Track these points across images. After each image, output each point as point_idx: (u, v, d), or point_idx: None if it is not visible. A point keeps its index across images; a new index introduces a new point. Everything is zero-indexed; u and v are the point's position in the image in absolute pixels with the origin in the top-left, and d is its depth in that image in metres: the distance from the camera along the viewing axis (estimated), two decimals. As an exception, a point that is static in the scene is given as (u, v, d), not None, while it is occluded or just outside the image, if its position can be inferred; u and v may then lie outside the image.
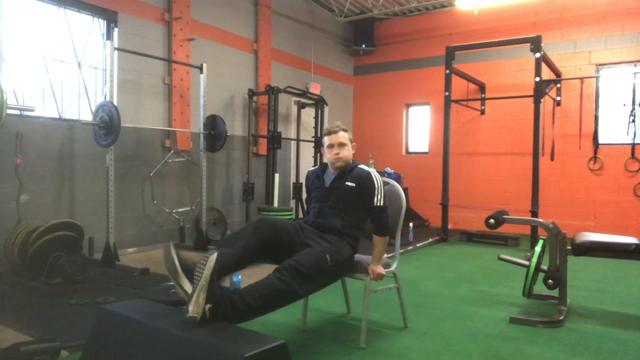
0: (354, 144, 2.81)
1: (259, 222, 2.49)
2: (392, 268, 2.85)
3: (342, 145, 2.70)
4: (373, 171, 2.72)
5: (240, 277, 3.42)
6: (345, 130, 2.75)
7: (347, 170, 2.71)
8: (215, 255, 2.03)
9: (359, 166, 2.74)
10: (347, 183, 2.66)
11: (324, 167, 2.86)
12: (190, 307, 1.94)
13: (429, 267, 4.89)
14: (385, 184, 3.07)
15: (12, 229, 3.96)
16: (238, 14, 6.55)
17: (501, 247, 6.08)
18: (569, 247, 3.24)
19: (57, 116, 4.65)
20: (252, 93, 6.62)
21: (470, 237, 6.55)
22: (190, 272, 2.05)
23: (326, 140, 2.74)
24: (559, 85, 7.09)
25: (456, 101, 6.84)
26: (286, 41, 7.39)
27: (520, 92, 6.93)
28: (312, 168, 2.97)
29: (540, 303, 3.51)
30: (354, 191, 2.65)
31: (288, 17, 7.43)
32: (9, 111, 3.14)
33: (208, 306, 1.96)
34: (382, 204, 2.64)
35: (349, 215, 2.64)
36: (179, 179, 5.76)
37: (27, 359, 2.21)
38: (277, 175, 6.15)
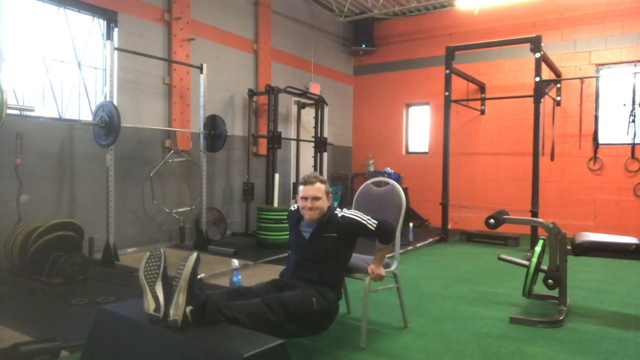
0: (330, 195, 2.63)
1: (231, 291, 2.38)
2: (392, 268, 2.85)
3: (316, 199, 2.55)
4: (346, 212, 2.62)
5: (240, 277, 3.42)
6: (322, 182, 2.60)
7: (324, 221, 2.58)
8: (195, 255, 2.00)
9: (335, 213, 2.61)
10: (327, 234, 2.55)
11: (300, 212, 2.68)
12: (171, 311, 1.91)
13: (429, 267, 4.88)
14: (385, 184, 3.08)
15: (12, 229, 3.95)
16: (238, 14, 6.55)
17: (501, 247, 6.08)
18: (569, 247, 3.24)
19: (57, 116, 4.65)
20: (252, 93, 6.62)
21: (470, 237, 6.54)
22: (167, 281, 2.04)
23: (301, 190, 2.60)
24: (559, 85, 7.08)
25: (456, 101, 6.84)
26: (286, 41, 7.39)
27: (520, 92, 6.93)
28: (293, 208, 2.81)
29: (540, 303, 3.51)
30: (336, 240, 2.55)
31: (288, 17, 7.43)
32: (9, 111, 3.14)
33: (189, 308, 1.92)
34: (376, 223, 2.55)
35: (329, 264, 2.55)
36: (179, 179, 5.76)
37: (27, 359, 2.21)
38: (277, 175, 6.15)
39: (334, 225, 2.56)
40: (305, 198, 2.57)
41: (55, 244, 3.75)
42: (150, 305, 1.98)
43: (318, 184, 2.58)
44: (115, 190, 4.53)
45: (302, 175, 7.35)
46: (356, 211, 2.67)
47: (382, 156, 8.57)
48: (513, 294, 3.74)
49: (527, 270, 3.19)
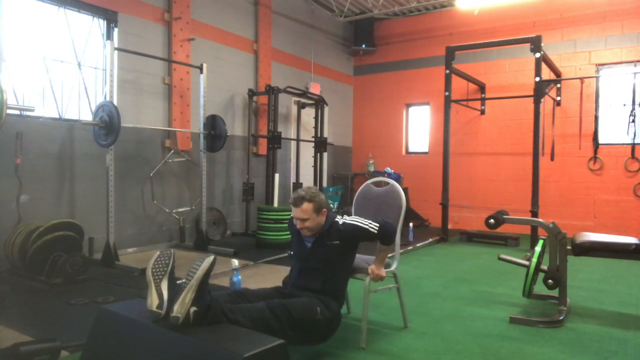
0: (323, 210, 2.54)
1: (233, 293, 2.37)
2: (392, 268, 2.85)
3: (304, 220, 2.50)
4: (346, 218, 2.62)
5: (240, 277, 3.42)
6: (310, 201, 2.49)
7: (324, 230, 2.56)
8: (212, 258, 2.00)
9: (335, 220, 2.58)
10: (330, 242, 2.54)
11: None
12: (175, 307, 1.91)
13: (429, 267, 4.88)
14: (385, 184, 3.08)
15: (12, 229, 3.96)
16: (238, 14, 6.55)
17: (501, 247, 6.08)
18: (569, 247, 3.24)
19: (57, 116, 4.65)
20: (252, 93, 6.62)
21: (470, 237, 6.54)
22: (173, 281, 2.04)
23: (292, 210, 2.57)
24: (559, 85, 7.08)
25: (456, 101, 6.83)
26: (286, 41, 7.39)
27: (520, 92, 6.93)
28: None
29: (540, 303, 3.51)
30: (339, 248, 2.54)
31: (288, 17, 7.43)
32: (9, 111, 3.15)
33: (193, 309, 1.91)
34: (378, 226, 2.55)
35: (332, 272, 2.54)
36: (179, 179, 5.76)
37: (27, 359, 2.21)
38: (277, 175, 6.15)
39: (335, 233, 2.55)
40: (296, 218, 2.55)
41: (55, 244, 3.75)
42: (153, 301, 1.98)
43: (305, 205, 2.49)
44: (115, 190, 4.53)
45: (302, 175, 7.37)
46: (356, 217, 2.67)
47: (382, 156, 8.57)
48: (513, 294, 3.74)
49: (527, 270, 3.19)
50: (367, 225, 2.55)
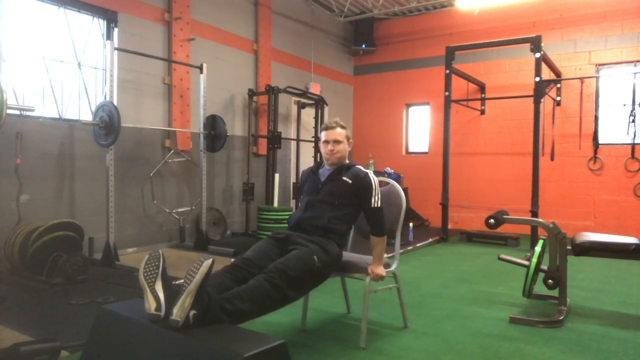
0: (350, 141, 2.81)
1: (231, 268, 2.40)
2: (392, 268, 2.85)
3: (337, 142, 2.71)
4: (370, 172, 2.74)
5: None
6: (343, 127, 2.75)
7: (344, 167, 2.73)
8: (210, 261, 2.00)
9: (356, 166, 2.76)
10: (343, 178, 2.68)
11: (319, 163, 2.90)
12: (175, 310, 1.91)
13: (429, 267, 4.88)
14: (385, 184, 3.08)
15: (12, 229, 3.96)
16: (238, 14, 6.55)
17: (501, 247, 6.08)
18: (569, 247, 3.24)
19: (57, 116, 4.65)
20: (252, 93, 6.62)
21: (470, 237, 6.55)
22: (167, 281, 2.04)
23: (323, 135, 2.76)
24: (559, 85, 7.08)
25: (456, 101, 6.84)
26: (286, 41, 7.39)
27: (520, 92, 6.93)
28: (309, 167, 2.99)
29: (540, 303, 3.51)
30: (349, 187, 2.66)
31: (288, 17, 7.43)
32: (9, 111, 3.14)
33: (193, 312, 1.92)
34: (378, 205, 2.66)
35: (338, 208, 2.64)
36: (179, 179, 5.76)
37: (27, 359, 2.21)
38: (277, 175, 6.15)
39: (352, 173, 2.69)
40: (327, 142, 2.72)
41: (55, 244, 3.76)
42: (151, 305, 1.98)
43: (339, 129, 2.72)
44: (115, 190, 4.53)
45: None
46: (377, 183, 2.72)
47: (382, 156, 8.57)
48: (513, 294, 3.74)
49: (527, 270, 3.19)
50: (375, 193, 2.66)
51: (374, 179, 2.69)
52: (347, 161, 2.79)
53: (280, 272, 2.24)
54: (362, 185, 2.66)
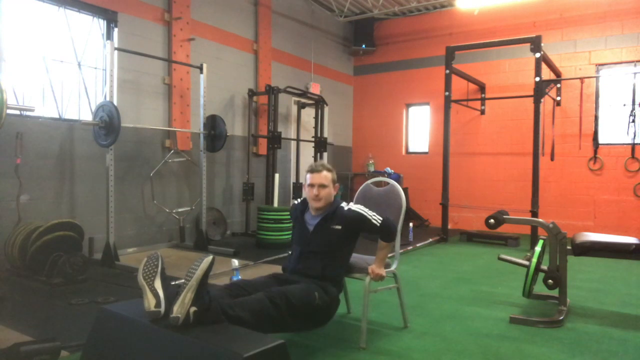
0: (336, 184, 2.71)
1: (229, 286, 2.39)
2: (392, 268, 2.85)
3: (322, 186, 2.61)
4: (352, 205, 2.68)
5: (240, 277, 3.42)
6: (329, 170, 2.68)
7: (329, 212, 2.63)
8: (210, 258, 2.01)
9: (340, 206, 2.66)
10: (332, 227, 2.59)
11: (304, 204, 2.77)
12: (175, 307, 1.91)
13: (429, 267, 4.88)
14: (385, 184, 3.08)
15: (12, 229, 3.96)
16: (238, 14, 6.55)
17: (501, 247, 6.08)
18: (569, 247, 3.24)
19: (57, 116, 4.65)
20: (252, 93, 6.62)
21: (470, 237, 6.54)
22: (166, 281, 2.05)
23: (308, 177, 2.66)
24: (559, 85, 7.08)
25: (456, 101, 6.84)
26: (286, 41, 7.39)
27: (520, 92, 6.93)
28: (297, 201, 2.89)
29: (540, 303, 3.51)
30: (340, 233, 2.59)
31: (288, 17, 7.43)
32: (9, 111, 3.14)
33: (193, 309, 1.92)
34: (381, 219, 2.61)
35: (330, 255, 2.58)
36: (179, 179, 5.76)
37: (27, 359, 2.21)
38: (277, 175, 6.15)
39: (339, 217, 2.61)
40: (312, 185, 2.63)
41: (55, 244, 3.75)
42: (150, 302, 1.99)
43: (325, 172, 2.65)
44: (115, 190, 4.52)
45: (302, 175, 7.36)
46: (362, 206, 2.70)
47: (382, 156, 8.57)
48: (513, 294, 3.74)
49: (527, 270, 3.19)
50: (371, 216, 2.60)
51: (359, 208, 2.64)
52: (332, 199, 2.68)
53: (282, 295, 2.24)
54: (353, 222, 2.60)
